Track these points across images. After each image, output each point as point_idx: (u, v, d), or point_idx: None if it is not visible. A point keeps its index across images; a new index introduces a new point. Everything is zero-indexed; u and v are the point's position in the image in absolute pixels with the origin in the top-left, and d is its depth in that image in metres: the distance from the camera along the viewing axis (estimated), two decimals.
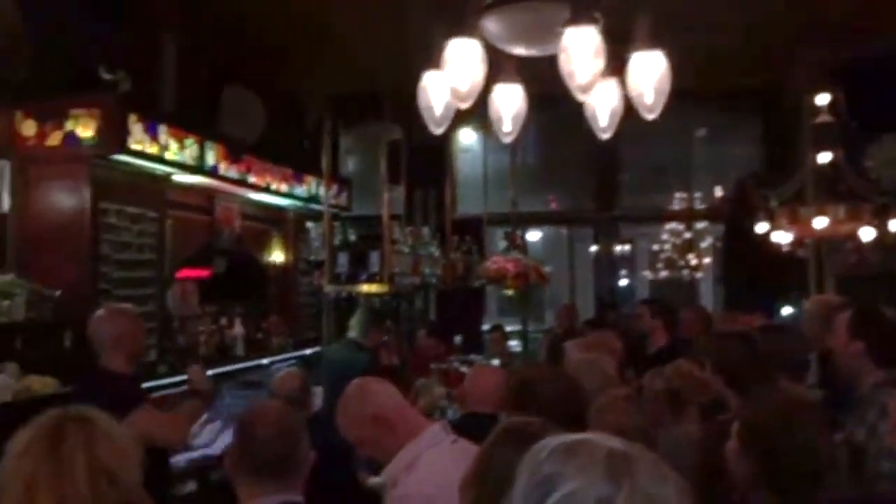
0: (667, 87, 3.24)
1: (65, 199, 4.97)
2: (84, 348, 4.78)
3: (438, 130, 3.45)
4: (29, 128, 4.91)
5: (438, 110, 3.40)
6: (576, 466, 0.94)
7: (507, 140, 3.88)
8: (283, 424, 2.18)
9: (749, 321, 5.49)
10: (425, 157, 7.68)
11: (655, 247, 12.47)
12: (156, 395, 4.58)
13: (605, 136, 3.76)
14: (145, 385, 4.12)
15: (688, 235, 11.89)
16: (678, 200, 11.21)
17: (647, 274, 12.82)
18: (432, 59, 3.29)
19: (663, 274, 12.48)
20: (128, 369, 3.72)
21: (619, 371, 3.85)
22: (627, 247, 12.13)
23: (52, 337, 4.72)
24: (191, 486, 4.76)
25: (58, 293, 4.74)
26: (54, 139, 4.91)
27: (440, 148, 7.67)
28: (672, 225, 11.94)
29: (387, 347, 6.02)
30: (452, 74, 3.02)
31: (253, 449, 2.13)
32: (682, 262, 11.93)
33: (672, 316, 5.47)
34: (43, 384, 4.40)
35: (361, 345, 5.53)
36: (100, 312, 3.65)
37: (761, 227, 7.34)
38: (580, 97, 2.91)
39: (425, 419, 2.70)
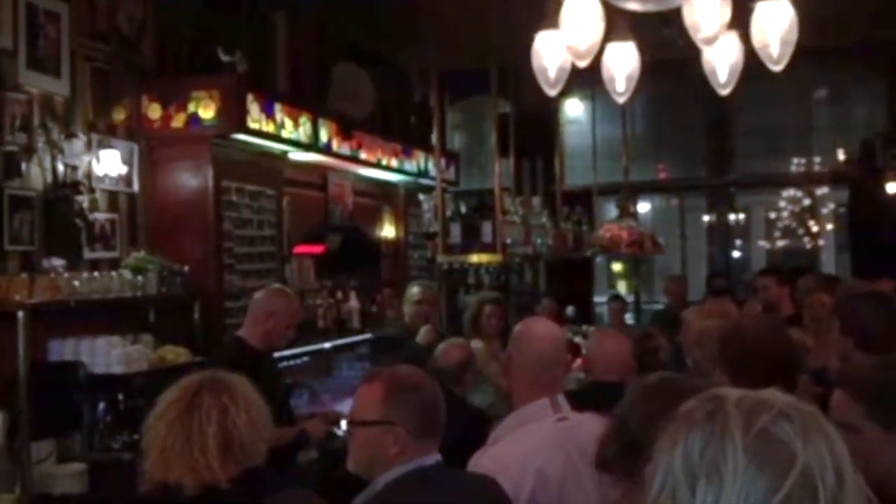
0: (793, 37, 3.12)
1: (189, 178, 5.15)
2: (212, 320, 5.05)
3: (553, 92, 3.41)
4: (154, 111, 5.10)
5: (553, 72, 3.36)
6: None
7: (621, 100, 3.81)
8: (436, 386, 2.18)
9: (881, 287, 5.21)
10: (532, 129, 7.62)
11: (772, 215, 12.02)
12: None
13: (725, 92, 3.65)
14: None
15: (807, 202, 11.41)
16: (796, 166, 10.74)
17: (764, 243, 12.39)
18: (545, 19, 3.26)
19: (781, 243, 12.04)
20: (261, 346, 3.87)
21: None
22: (742, 215, 11.73)
23: (182, 310, 4.95)
24: (312, 454, 4.89)
25: (186, 268, 4.94)
26: (178, 121, 5.08)
27: (547, 120, 7.59)
28: (790, 192, 11.48)
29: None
30: (569, 32, 2.97)
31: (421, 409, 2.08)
32: (801, 231, 11.46)
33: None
34: (175, 354, 4.62)
35: None
36: (263, 290, 3.99)
37: (893, 188, 6.97)
38: (704, 49, 2.82)
39: (554, 384, 2.62)
